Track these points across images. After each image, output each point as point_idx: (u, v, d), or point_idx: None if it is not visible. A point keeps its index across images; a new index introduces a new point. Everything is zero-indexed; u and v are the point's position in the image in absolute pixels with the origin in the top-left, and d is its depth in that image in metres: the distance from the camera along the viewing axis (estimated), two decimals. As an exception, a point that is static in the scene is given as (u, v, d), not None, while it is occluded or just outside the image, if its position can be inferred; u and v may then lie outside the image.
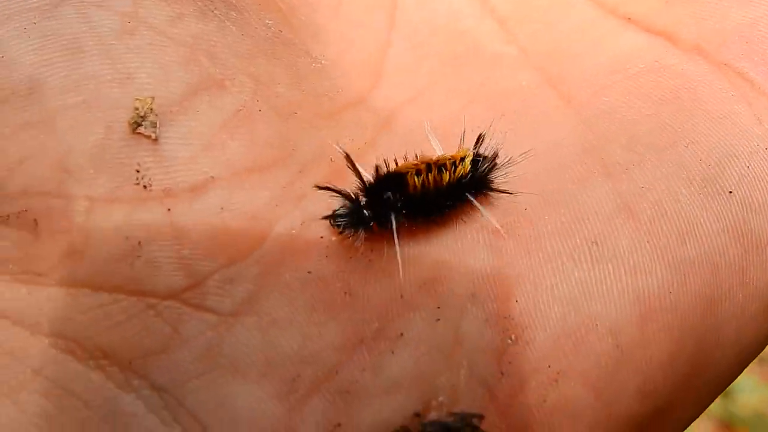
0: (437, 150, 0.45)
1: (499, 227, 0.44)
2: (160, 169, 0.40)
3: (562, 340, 0.44)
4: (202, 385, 0.37)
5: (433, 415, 0.44)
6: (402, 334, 0.42)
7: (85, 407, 0.36)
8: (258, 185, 0.41)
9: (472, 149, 0.45)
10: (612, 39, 0.54)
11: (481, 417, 0.43)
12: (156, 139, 0.39)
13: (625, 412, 0.45)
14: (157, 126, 0.39)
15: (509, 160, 0.47)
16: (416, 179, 0.42)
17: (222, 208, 0.40)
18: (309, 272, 0.41)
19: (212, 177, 0.40)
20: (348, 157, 0.41)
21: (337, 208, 0.42)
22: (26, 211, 0.38)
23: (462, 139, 0.47)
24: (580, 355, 0.44)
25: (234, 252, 0.40)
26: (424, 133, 0.49)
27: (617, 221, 0.47)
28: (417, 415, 0.43)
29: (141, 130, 0.39)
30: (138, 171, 0.39)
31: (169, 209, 0.39)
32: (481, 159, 0.45)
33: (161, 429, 0.36)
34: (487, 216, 0.43)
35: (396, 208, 0.42)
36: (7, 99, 0.39)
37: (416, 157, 0.45)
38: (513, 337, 0.44)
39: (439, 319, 0.44)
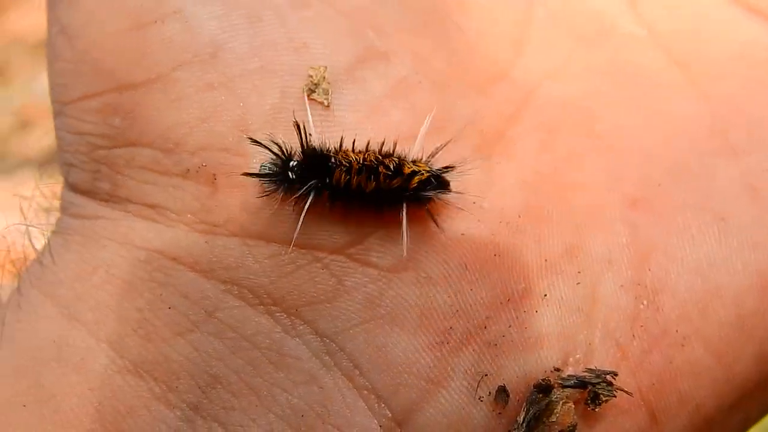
0: (416, 148, 0.45)
1: (405, 252, 0.43)
2: (330, 133, 0.43)
3: (689, 307, 0.48)
4: (362, 334, 0.40)
5: (570, 370, 0.47)
6: (546, 295, 0.46)
7: (253, 348, 0.39)
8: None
9: (433, 167, 0.45)
10: (736, 27, 0.55)
11: (615, 374, 0.47)
12: (328, 106, 0.42)
13: (742, 376, 0.48)
14: (329, 93, 0.42)
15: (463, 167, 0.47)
16: (342, 175, 0.41)
17: None
18: (462, 234, 0.44)
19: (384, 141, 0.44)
20: (296, 125, 0.41)
21: (264, 164, 0.42)
22: (205, 166, 0.41)
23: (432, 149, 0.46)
24: (705, 321, 0.48)
25: None
26: (562, 108, 0.52)
27: (743, 200, 0.50)
28: (556, 369, 0.47)
29: (314, 96, 0.42)
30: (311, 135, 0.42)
31: None
32: (436, 176, 0.44)
33: (322, 372, 0.40)
34: (403, 232, 0.42)
35: (317, 189, 0.42)
36: (191, 62, 0.42)
37: (379, 150, 0.44)
38: (645, 302, 0.48)
39: (579, 283, 0.47)
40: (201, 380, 0.39)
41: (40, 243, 0.47)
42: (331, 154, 0.42)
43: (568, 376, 0.47)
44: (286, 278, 0.40)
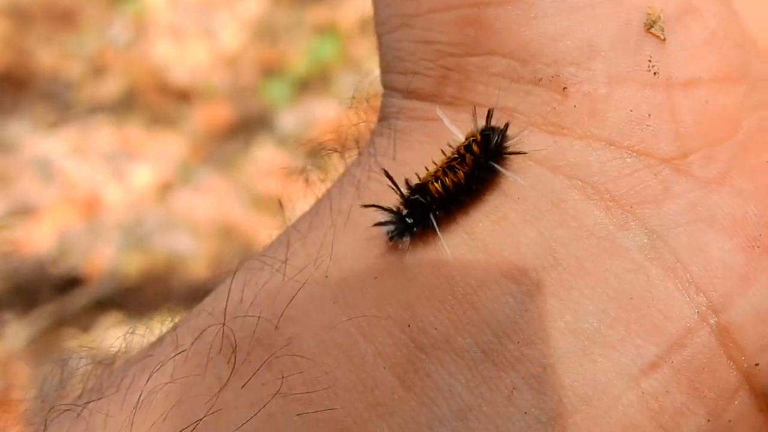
0: (458, 135, 0.47)
1: (523, 182, 0.46)
2: (664, 64, 0.47)
3: None
4: (685, 233, 0.44)
5: None
6: None
7: (591, 237, 0.44)
8: (724, 91, 0.48)
9: (478, 129, 0.47)
10: None
11: None
12: (664, 40, 0.47)
13: None
14: (664, 30, 0.48)
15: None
16: (437, 185, 0.45)
17: (707, 102, 0.47)
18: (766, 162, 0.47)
19: (699, 77, 0.47)
20: (386, 174, 0.45)
21: (383, 221, 0.45)
22: (558, 76, 0.46)
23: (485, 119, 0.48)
24: None
25: (713, 138, 0.46)
26: None
27: None
28: None
29: (653, 30, 0.47)
30: (650, 61, 0.46)
31: (669, 96, 0.47)
32: (492, 132, 0.46)
33: (647, 263, 0.44)
34: (514, 177, 0.46)
35: (431, 210, 0.45)
36: None
37: (443, 153, 0.47)
38: None
39: None
40: (545, 261, 0.43)
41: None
42: (421, 184, 0.46)
43: None
44: (624, 179, 0.45)
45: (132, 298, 2.03)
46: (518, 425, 0.40)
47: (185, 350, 0.42)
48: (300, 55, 2.31)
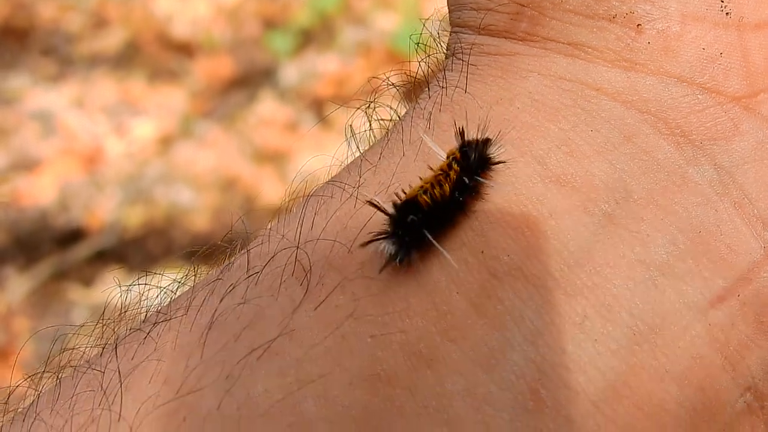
0: (440, 155, 0.46)
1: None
2: (736, 5, 0.47)
3: None
4: (752, 170, 0.45)
5: None
6: None
7: (661, 171, 0.45)
8: None
9: (457, 146, 0.46)
10: None
11: None
12: None
13: None
14: None
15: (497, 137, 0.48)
16: (425, 197, 0.43)
17: None
18: None
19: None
20: (370, 203, 0.43)
21: (386, 251, 0.43)
22: (632, 13, 0.47)
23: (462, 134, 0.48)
24: None
25: None
26: None
27: None
28: None
29: None
30: (722, 1, 0.47)
31: (740, 37, 0.47)
32: (471, 148, 0.45)
33: (715, 198, 0.45)
34: (494, 186, 0.45)
35: (424, 225, 0.43)
36: None
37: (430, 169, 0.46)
38: None
39: None
40: (617, 193, 0.44)
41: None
42: (406, 199, 0.45)
43: None
44: (695, 115, 0.46)
45: (133, 250, 2.04)
46: (588, 352, 0.41)
47: (257, 273, 0.43)
48: (302, 6, 2.30)
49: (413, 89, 0.53)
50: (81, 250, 2.04)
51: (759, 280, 0.43)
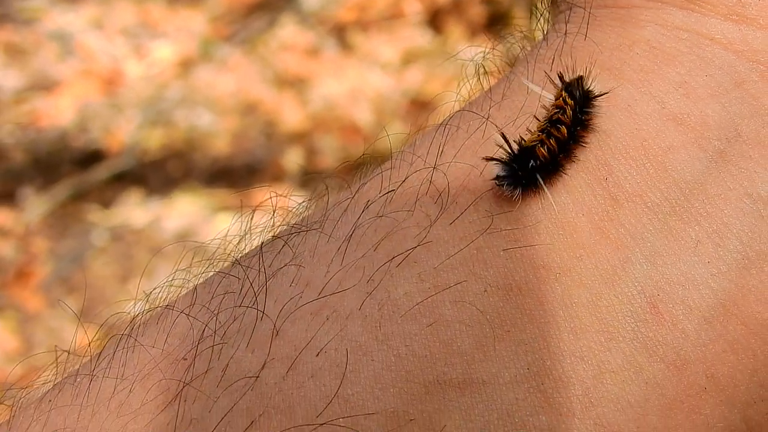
0: (548, 98, 0.50)
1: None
2: None
3: None
4: None
5: None
6: None
7: (766, 114, 0.47)
8: None
9: (562, 88, 0.48)
10: None
11: None
12: None
13: None
14: None
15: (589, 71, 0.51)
16: (543, 150, 0.47)
17: None
18: None
19: None
20: (501, 135, 0.48)
21: (500, 174, 0.47)
22: None
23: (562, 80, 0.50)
24: None
25: None
26: None
27: None
28: None
29: None
30: None
31: None
32: (573, 87, 0.48)
33: None
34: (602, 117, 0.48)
35: (540, 170, 0.47)
36: None
37: (537, 120, 0.50)
38: None
39: None
40: (728, 132, 0.46)
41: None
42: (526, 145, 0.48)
43: None
44: None
45: (153, 173, 2.05)
46: (701, 272, 0.44)
47: (392, 191, 0.45)
48: (326, -71, 2.29)
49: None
50: (100, 172, 2.05)
51: None
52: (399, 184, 0.46)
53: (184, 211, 1.97)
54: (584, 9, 0.51)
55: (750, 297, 0.44)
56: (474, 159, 0.46)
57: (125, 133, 2.07)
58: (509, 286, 0.43)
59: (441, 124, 0.49)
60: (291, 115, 2.05)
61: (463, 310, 0.42)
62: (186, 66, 2.14)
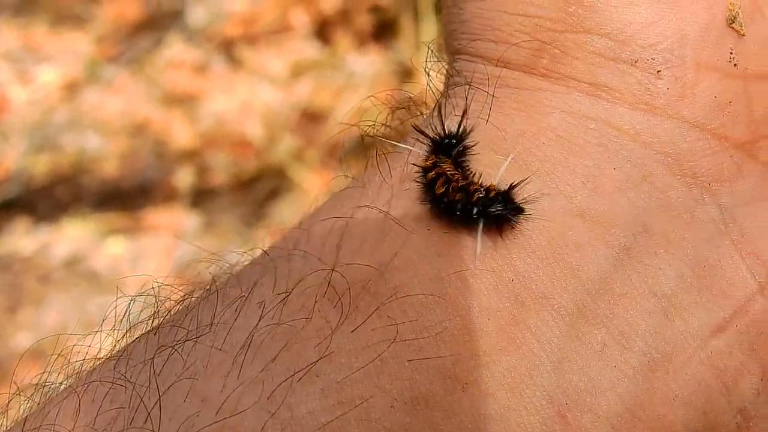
0: (498, 176, 0.48)
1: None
2: (741, 56, 0.50)
3: None
4: (752, 209, 0.48)
5: None
6: None
7: (672, 209, 0.47)
8: None
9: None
10: None
11: None
12: (743, 35, 0.51)
13: None
14: (743, 25, 0.51)
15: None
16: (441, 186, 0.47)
17: None
18: None
19: None
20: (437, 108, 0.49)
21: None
22: (653, 59, 0.49)
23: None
24: None
25: None
26: None
27: None
28: None
29: (734, 25, 0.51)
30: (731, 53, 0.50)
31: (745, 87, 0.50)
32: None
33: (717, 235, 0.47)
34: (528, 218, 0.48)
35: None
36: None
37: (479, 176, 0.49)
38: None
39: None
40: (634, 228, 0.46)
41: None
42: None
43: None
44: (706, 159, 0.48)
45: (40, 199, 2.01)
46: (608, 377, 0.44)
47: (287, 293, 0.44)
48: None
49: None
50: (-14, 201, 2.00)
51: (754, 312, 0.46)
52: (295, 283, 0.44)
53: (73, 236, 1.93)
54: (484, 89, 0.50)
55: (655, 399, 0.44)
56: (373, 258, 0.45)
57: (11, 160, 2.02)
58: (416, 399, 0.42)
59: (335, 202, 0.49)
60: (181, 134, 2.03)
61: (369, 429, 0.41)
62: (72, 89, 2.10)
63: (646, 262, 0.46)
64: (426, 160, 0.47)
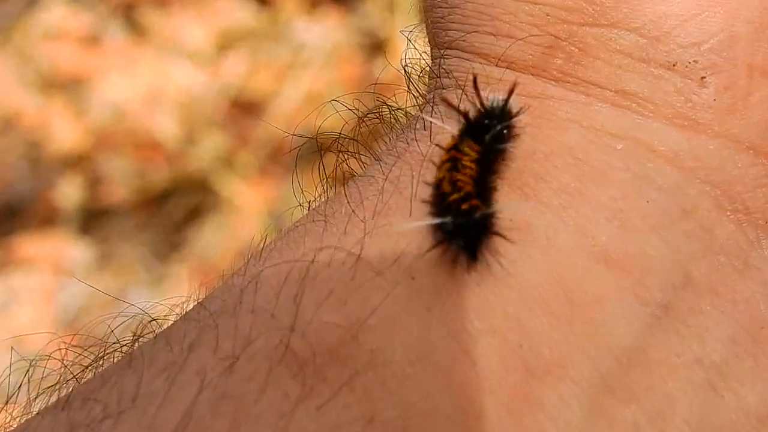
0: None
1: None
2: None
3: None
4: None
5: None
6: None
7: (722, 254, 0.43)
8: None
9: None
10: None
11: None
12: None
13: None
14: None
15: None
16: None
17: None
18: None
19: None
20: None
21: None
22: (696, 62, 0.44)
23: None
24: None
25: None
26: None
27: None
28: None
29: None
30: None
31: None
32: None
33: None
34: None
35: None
36: None
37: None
38: None
39: None
40: (675, 278, 0.42)
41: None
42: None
43: None
44: (761, 190, 0.44)
45: None
46: None
47: (233, 358, 0.39)
48: None
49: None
50: None
51: None
52: (243, 347, 0.39)
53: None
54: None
55: None
56: (343, 315, 0.40)
57: None
58: None
59: (289, 240, 0.43)
60: (64, 131, 1.78)
61: None
62: None
63: (691, 322, 0.41)
64: (448, 150, 0.43)
